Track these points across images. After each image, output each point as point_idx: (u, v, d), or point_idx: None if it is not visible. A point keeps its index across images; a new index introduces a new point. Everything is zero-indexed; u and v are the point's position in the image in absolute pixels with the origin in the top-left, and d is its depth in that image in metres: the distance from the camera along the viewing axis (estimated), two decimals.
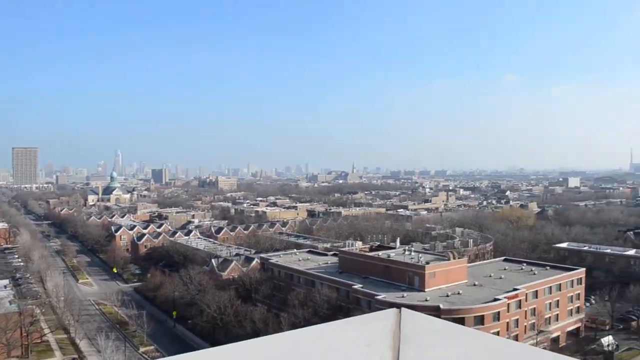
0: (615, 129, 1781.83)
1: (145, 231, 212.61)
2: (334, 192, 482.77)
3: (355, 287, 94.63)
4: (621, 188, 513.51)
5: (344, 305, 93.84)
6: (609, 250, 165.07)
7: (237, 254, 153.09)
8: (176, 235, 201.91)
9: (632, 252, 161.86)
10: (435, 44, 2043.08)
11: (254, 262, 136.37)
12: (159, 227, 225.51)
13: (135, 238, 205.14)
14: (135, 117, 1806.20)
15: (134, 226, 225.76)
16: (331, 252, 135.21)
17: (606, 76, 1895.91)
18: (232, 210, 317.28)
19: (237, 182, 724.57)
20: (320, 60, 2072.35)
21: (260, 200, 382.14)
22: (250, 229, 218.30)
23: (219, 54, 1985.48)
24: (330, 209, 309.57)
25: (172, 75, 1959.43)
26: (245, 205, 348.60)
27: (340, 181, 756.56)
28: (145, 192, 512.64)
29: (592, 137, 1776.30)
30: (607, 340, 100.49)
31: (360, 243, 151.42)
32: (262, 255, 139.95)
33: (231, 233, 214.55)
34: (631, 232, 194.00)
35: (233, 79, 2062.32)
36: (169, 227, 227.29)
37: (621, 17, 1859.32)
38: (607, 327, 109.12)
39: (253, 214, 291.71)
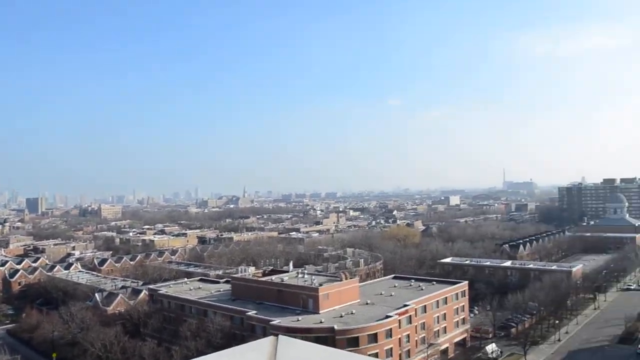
0: (490, 149, 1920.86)
1: (18, 267, 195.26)
2: (225, 217, 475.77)
3: (249, 313, 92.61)
4: (496, 204, 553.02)
5: (239, 333, 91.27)
6: (488, 263, 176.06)
7: (123, 287, 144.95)
8: (54, 270, 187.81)
9: (508, 263, 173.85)
10: (321, 68, 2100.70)
11: (142, 294, 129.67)
12: (35, 261, 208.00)
13: (7, 275, 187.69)
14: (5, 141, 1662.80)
15: (6, 262, 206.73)
16: (223, 279, 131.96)
17: (482, 100, 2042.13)
18: (117, 240, 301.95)
19: (122, 210, 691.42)
20: (207, 87, 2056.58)
21: (148, 228, 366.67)
22: (137, 259, 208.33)
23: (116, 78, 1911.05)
24: (221, 235, 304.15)
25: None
26: (131, 234, 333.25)
27: (232, 206, 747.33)
28: (19, 224, 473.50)
29: (470, 157, 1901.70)
30: (491, 348, 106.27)
31: (253, 268, 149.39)
32: (151, 286, 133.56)
33: (116, 264, 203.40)
34: (507, 245, 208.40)
35: (120, 100, 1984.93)
36: (47, 261, 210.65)
37: (492, 45, 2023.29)
38: (490, 336, 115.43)
39: (140, 243, 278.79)
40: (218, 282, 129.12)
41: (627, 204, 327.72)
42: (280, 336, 4.22)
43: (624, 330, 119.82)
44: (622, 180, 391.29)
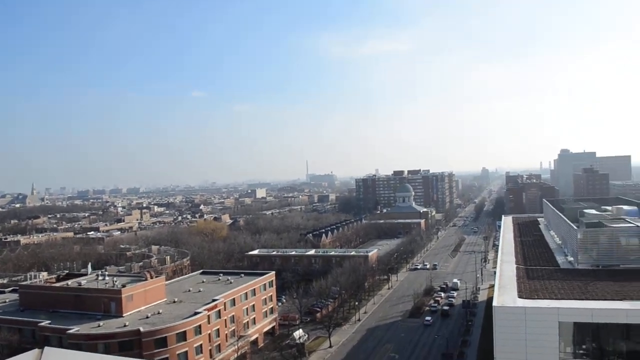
0: (294, 143, 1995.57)
1: None
2: (9, 218, 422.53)
3: (42, 324, 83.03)
4: (300, 196, 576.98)
5: (30, 347, 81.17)
6: (294, 252, 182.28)
7: None
8: None
9: (312, 252, 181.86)
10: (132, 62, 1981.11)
11: None
12: None
13: None
14: None
15: None
16: (9, 289, 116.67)
17: (288, 96, 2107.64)
18: None
19: None
20: None
21: None
22: None
23: None
24: (5, 238, 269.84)
25: None
26: None
27: (18, 205, 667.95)
28: None
29: (272, 151, 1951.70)
30: (298, 333, 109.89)
31: (45, 274, 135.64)
32: None
33: None
34: (310, 235, 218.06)
35: None
36: None
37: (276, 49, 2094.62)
38: (297, 322, 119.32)
39: None
40: (2, 292, 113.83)
41: (413, 193, 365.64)
42: (46, 348, 2.97)
43: (413, 305, 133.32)
44: (410, 172, 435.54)
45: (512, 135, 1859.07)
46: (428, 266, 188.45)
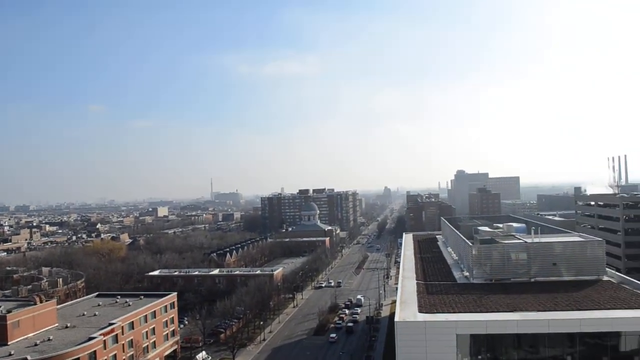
0: (198, 160, 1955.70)
1: None
2: None
3: None
4: (204, 214, 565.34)
5: None
6: (197, 273, 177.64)
7: None
8: None
9: (216, 271, 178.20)
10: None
11: None
12: None
13: None
14: None
15: None
16: None
17: (183, 116, 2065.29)
18: None
19: None
20: None
21: None
22: None
23: None
24: None
25: None
26: None
27: None
28: None
29: (176, 168, 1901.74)
30: (201, 356, 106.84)
31: None
32: None
33: None
34: (214, 254, 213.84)
35: None
36: None
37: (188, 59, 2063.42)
38: (201, 344, 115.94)
39: None
40: None
41: (318, 211, 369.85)
42: None
43: (318, 323, 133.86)
44: (315, 191, 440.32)
45: (413, 156, 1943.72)
46: (333, 284, 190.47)
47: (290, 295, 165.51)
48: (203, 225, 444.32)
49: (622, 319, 53.39)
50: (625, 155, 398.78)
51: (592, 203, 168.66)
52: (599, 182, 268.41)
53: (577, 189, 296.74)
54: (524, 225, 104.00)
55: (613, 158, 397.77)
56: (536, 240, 79.58)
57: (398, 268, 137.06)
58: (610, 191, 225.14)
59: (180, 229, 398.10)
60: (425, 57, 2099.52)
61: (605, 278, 72.47)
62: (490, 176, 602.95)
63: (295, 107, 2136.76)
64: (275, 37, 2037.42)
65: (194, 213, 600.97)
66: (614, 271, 79.79)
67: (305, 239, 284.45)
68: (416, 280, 78.86)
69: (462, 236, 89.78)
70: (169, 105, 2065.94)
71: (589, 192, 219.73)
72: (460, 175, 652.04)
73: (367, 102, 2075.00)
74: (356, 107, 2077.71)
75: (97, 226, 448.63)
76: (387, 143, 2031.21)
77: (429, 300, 64.97)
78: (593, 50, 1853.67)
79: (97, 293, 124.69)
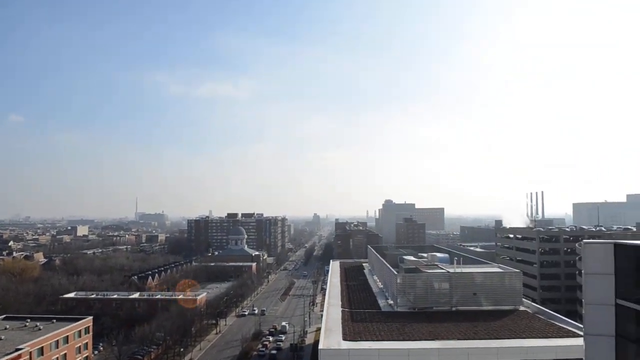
0: (123, 180, 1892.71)
1: None
2: None
3: None
4: (127, 235, 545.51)
5: None
6: (115, 296, 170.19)
7: None
8: None
9: (136, 295, 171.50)
10: None
11: None
12: None
13: None
14: None
15: None
16: None
17: (110, 133, 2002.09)
18: None
19: None
20: None
21: None
22: None
23: None
24: None
25: None
26: None
27: None
28: None
29: (98, 186, 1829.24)
30: None
31: None
32: None
33: None
34: (135, 277, 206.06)
35: None
36: None
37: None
38: None
39: None
40: None
41: (246, 236, 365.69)
42: None
43: (240, 350, 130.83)
44: (243, 215, 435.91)
45: (342, 184, 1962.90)
46: (256, 311, 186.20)
47: (214, 322, 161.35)
48: (125, 247, 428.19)
49: (537, 347, 55.56)
50: (542, 192, 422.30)
51: (511, 236, 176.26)
52: (518, 215, 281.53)
53: (498, 222, 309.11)
54: (447, 255, 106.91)
55: (531, 194, 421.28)
56: (458, 270, 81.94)
57: (324, 295, 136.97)
58: (525, 225, 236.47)
59: (100, 250, 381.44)
60: (354, 85, 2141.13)
61: (522, 308, 75.38)
62: (417, 207, 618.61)
63: (227, 129, 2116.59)
64: (209, 58, 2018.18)
65: (116, 233, 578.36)
66: (529, 301, 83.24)
67: (231, 263, 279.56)
68: (341, 307, 78.94)
69: (387, 265, 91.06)
70: (97, 121, 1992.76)
71: (507, 225, 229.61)
72: (388, 205, 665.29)
73: (298, 128, 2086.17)
74: (286, 132, 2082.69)
75: (10, 244, 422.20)
76: (317, 170, 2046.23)
77: (353, 328, 65.02)
78: (535, 81, 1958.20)
79: (4, 315, 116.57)
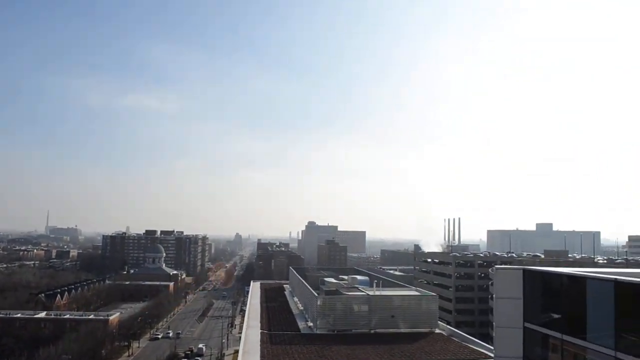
0: (33, 191, 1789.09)
1: None
2: None
3: None
4: (35, 250, 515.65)
5: None
6: (19, 315, 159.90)
7: None
8: None
9: (42, 314, 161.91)
10: None
11: None
12: None
13: None
14: None
15: None
16: None
17: (17, 140, 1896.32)
18: None
19: None
20: None
21: None
22: None
23: None
24: None
25: None
26: None
27: None
28: None
29: (4, 194, 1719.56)
30: None
31: None
32: None
33: None
34: (43, 295, 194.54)
35: None
36: None
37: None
38: None
39: None
40: None
41: (164, 254, 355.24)
42: None
43: None
44: (163, 232, 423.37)
45: (266, 205, 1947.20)
46: (171, 334, 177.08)
47: (126, 343, 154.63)
48: (33, 262, 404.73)
49: None
50: (459, 218, 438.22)
51: (429, 260, 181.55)
52: (435, 240, 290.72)
53: (417, 247, 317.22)
54: (367, 278, 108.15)
55: (448, 220, 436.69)
56: (377, 292, 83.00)
57: (243, 316, 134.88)
58: (441, 250, 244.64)
59: (4, 265, 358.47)
60: (285, 106, 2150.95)
61: (438, 331, 77.24)
62: (339, 229, 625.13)
63: (151, 143, 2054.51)
64: (135, 69, 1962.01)
65: (23, 247, 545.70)
66: (445, 324, 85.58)
67: (148, 282, 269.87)
68: (261, 329, 77.76)
69: (308, 286, 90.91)
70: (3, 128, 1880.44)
71: (425, 250, 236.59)
72: (310, 227, 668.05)
73: (224, 147, 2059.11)
74: (211, 150, 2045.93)
75: None
76: (241, 189, 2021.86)
77: (272, 350, 64.13)
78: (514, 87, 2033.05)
79: None
